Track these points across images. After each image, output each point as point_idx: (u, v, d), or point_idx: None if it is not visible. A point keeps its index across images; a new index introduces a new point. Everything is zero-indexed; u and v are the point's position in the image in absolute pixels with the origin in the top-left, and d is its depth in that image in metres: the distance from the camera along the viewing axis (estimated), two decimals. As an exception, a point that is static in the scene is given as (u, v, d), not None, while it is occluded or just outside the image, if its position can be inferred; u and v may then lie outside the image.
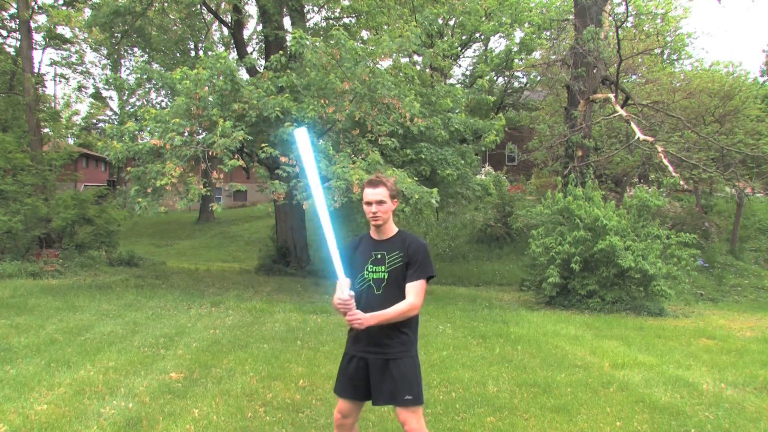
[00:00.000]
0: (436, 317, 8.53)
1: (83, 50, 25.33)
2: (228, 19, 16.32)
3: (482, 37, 25.79)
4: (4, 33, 19.64)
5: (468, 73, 28.94)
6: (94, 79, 26.18)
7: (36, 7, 17.77)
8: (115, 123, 20.75)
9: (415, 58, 20.13)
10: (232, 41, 19.50)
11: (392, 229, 2.80)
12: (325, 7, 17.44)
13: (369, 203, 2.71)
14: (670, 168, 12.07)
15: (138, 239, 23.72)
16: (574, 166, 13.85)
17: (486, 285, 15.18)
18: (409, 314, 2.66)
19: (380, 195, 2.69)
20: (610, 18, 15.27)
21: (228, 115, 9.39)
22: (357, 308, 2.68)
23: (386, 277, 2.69)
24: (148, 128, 9.67)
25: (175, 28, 20.07)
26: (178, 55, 21.41)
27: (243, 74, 12.41)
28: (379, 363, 2.70)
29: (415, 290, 2.68)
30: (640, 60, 19.17)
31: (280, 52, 11.01)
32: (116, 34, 16.07)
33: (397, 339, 2.71)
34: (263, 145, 9.36)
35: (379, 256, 2.73)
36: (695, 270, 12.20)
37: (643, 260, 9.63)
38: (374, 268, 2.72)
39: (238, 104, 9.47)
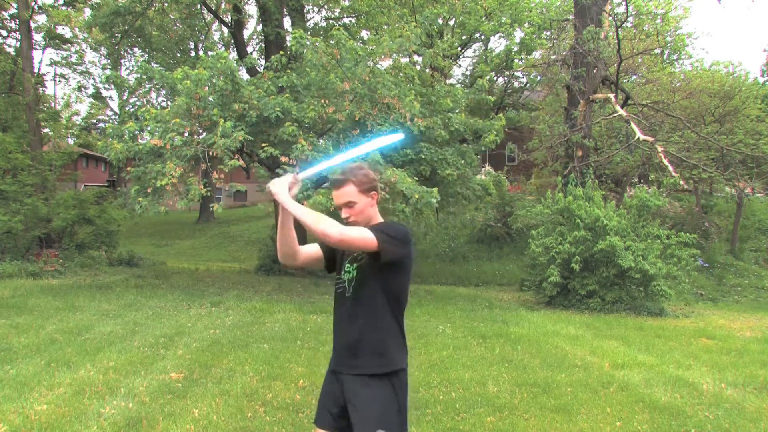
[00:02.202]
0: (436, 317, 8.53)
1: (83, 50, 25.34)
2: (228, 19, 16.34)
3: (482, 37, 25.79)
4: (4, 33, 19.66)
5: (468, 73, 28.96)
6: (94, 79, 26.21)
7: (36, 7, 17.77)
8: (116, 123, 20.75)
9: (415, 58, 20.12)
10: (232, 41, 19.52)
11: (376, 219, 2.31)
12: (325, 7, 17.46)
13: (339, 207, 2.25)
14: (670, 168, 12.07)
15: (138, 239, 23.71)
16: (574, 166, 13.85)
17: (486, 285, 15.18)
18: (319, 228, 2.02)
19: (346, 196, 2.22)
20: (610, 18, 15.26)
21: (228, 115, 9.40)
22: (333, 316, 2.30)
23: (355, 275, 2.22)
24: (149, 128, 9.68)
25: (175, 28, 20.09)
26: (178, 55, 21.42)
27: (243, 74, 12.42)
28: (350, 381, 2.21)
29: (358, 228, 2.14)
30: (640, 60, 19.17)
31: (281, 52, 11.02)
32: (116, 34, 16.08)
33: (370, 348, 2.19)
34: (264, 144, 9.36)
35: (356, 253, 2.24)
36: (695, 270, 12.21)
37: (643, 260, 9.63)
38: (349, 266, 2.27)
39: (238, 104, 9.47)
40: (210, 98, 9.66)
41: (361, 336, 2.19)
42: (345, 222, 2.24)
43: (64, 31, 21.46)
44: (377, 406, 2.11)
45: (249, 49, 21.29)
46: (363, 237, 2.09)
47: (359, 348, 2.19)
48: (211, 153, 8.96)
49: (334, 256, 2.38)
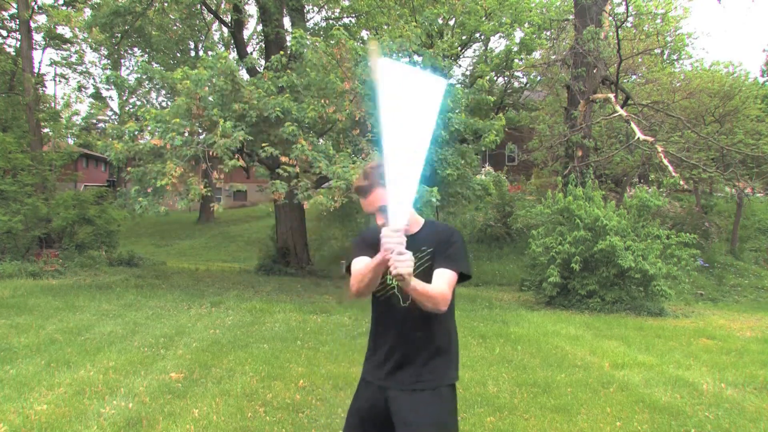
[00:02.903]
0: (436, 317, 8.51)
1: (83, 50, 25.31)
2: (228, 19, 16.32)
3: (482, 37, 25.78)
4: (4, 33, 19.67)
5: (468, 73, 28.92)
6: (94, 79, 26.18)
7: (36, 7, 17.77)
8: (116, 123, 20.76)
9: (415, 58, 20.13)
10: (232, 41, 19.52)
11: (417, 222, 2.15)
12: (325, 7, 17.46)
13: (372, 214, 2.09)
14: (670, 168, 12.07)
15: (138, 239, 23.71)
16: (574, 166, 13.85)
17: (486, 285, 15.17)
18: (437, 304, 1.92)
19: (377, 202, 2.04)
20: (610, 18, 15.27)
21: (228, 115, 9.40)
22: (374, 325, 2.16)
23: None
24: (149, 128, 9.68)
25: (175, 28, 20.09)
26: (178, 55, 21.43)
27: (243, 74, 12.41)
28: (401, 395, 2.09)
29: (445, 279, 1.97)
30: (640, 60, 19.17)
31: (281, 52, 11.02)
32: (116, 34, 16.08)
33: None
34: (264, 144, 9.37)
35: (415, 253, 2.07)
36: (695, 270, 12.21)
37: (643, 260, 9.63)
38: None
39: (238, 104, 9.48)
40: (210, 98, 9.66)
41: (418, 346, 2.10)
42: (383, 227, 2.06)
43: (64, 31, 21.43)
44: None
45: (249, 49, 21.28)
46: (453, 280, 2.00)
47: (417, 359, 2.09)
48: (211, 153, 8.97)
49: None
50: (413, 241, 2.05)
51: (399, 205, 1.79)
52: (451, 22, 23.99)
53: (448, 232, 2.11)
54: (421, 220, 2.17)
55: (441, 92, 1.92)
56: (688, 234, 10.40)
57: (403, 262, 1.72)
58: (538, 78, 23.96)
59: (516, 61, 23.06)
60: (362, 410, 2.15)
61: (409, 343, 2.08)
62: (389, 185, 1.79)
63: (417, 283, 1.84)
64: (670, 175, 11.90)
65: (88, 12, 18.27)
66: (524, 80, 27.77)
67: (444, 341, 2.11)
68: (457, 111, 11.95)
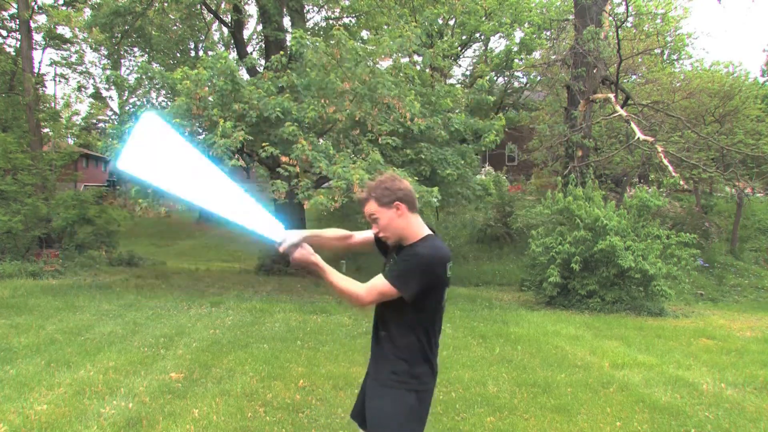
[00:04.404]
0: (436, 317, 8.51)
1: (83, 50, 25.26)
2: (228, 19, 16.32)
3: (482, 37, 25.79)
4: (4, 33, 19.65)
5: (468, 73, 28.93)
6: (94, 79, 26.14)
7: (36, 7, 17.75)
8: (116, 123, 20.71)
9: (415, 58, 20.12)
10: (232, 41, 19.52)
11: (416, 235, 2.24)
12: (325, 7, 17.46)
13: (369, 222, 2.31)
14: (670, 168, 12.07)
15: (138, 239, 23.68)
16: (574, 166, 13.85)
17: (486, 285, 15.17)
18: (346, 297, 2.17)
19: (368, 211, 2.25)
20: (610, 18, 15.27)
21: (228, 116, 9.40)
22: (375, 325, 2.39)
23: None
24: (149, 128, 9.65)
25: (175, 28, 20.08)
26: (178, 55, 21.42)
27: (243, 74, 12.42)
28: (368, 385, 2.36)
29: (371, 283, 2.16)
30: (640, 60, 19.17)
31: (281, 52, 11.01)
32: (116, 34, 16.07)
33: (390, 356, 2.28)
34: (264, 144, 9.36)
35: (392, 261, 2.28)
36: (695, 270, 12.21)
37: (643, 260, 9.63)
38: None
39: (238, 104, 9.47)
40: (210, 98, 9.65)
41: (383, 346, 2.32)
42: (377, 234, 2.31)
43: (64, 31, 21.37)
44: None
45: (249, 49, 21.27)
46: (379, 286, 2.16)
47: (380, 357, 2.31)
48: (210, 153, 8.96)
49: (385, 246, 2.42)
50: (398, 252, 2.26)
51: (265, 229, 2.23)
52: (451, 22, 24.00)
53: (412, 252, 2.19)
54: (420, 235, 2.25)
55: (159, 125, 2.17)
56: (688, 234, 10.39)
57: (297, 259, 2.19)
58: (538, 78, 23.95)
59: (516, 61, 23.06)
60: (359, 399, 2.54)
61: (377, 341, 2.35)
62: (239, 222, 2.20)
63: (327, 274, 2.17)
64: (670, 175, 11.90)
65: (88, 12, 18.26)
66: (524, 80, 27.76)
67: (402, 348, 2.28)
68: (457, 111, 11.96)
